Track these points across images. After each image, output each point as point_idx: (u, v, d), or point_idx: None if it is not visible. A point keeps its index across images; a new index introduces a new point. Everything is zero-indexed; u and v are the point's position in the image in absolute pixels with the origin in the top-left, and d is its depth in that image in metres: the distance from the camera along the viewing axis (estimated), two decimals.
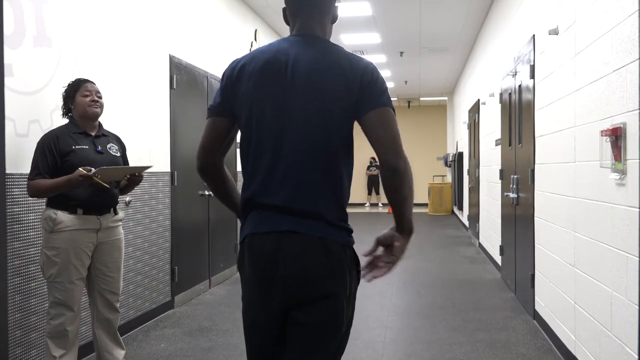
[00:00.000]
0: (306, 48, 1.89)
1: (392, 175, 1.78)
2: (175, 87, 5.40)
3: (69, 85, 3.35)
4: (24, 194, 3.39)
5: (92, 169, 3.09)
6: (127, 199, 4.48)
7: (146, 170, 3.42)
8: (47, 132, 3.29)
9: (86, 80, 3.37)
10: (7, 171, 3.18)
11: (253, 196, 1.85)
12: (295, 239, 1.79)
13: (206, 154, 1.96)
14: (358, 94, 1.81)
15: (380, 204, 19.30)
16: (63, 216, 3.15)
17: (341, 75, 1.82)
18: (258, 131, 1.84)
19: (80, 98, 3.29)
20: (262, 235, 1.82)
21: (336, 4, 2.00)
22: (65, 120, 3.37)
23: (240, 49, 7.29)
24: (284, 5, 2.01)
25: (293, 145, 1.81)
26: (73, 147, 3.20)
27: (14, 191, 3.34)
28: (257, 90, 1.85)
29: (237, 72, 1.90)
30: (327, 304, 1.80)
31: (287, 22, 2.01)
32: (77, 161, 3.16)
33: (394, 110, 1.86)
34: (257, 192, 1.85)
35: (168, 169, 5.27)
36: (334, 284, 1.81)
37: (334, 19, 2.01)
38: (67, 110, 3.35)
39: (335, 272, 1.81)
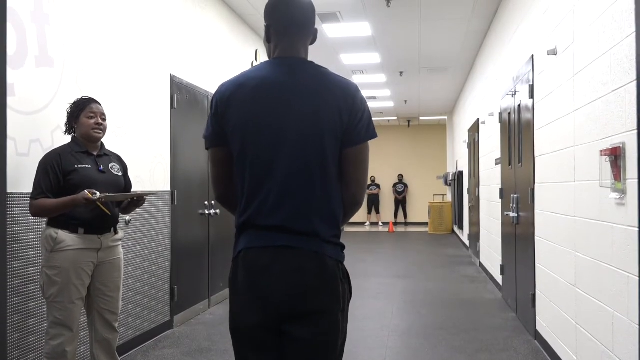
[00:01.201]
0: (296, 73, 1.92)
1: (354, 208, 1.98)
2: (176, 106, 5.43)
3: (74, 103, 3.35)
4: (24, 214, 3.39)
5: (98, 192, 3.12)
6: (127, 218, 4.47)
7: (146, 189, 3.43)
8: (49, 151, 3.29)
9: (92, 101, 3.36)
10: (8, 190, 3.18)
11: (249, 219, 1.87)
12: (291, 253, 1.82)
13: (219, 185, 1.99)
14: (347, 122, 1.89)
15: (380, 223, 19.28)
16: (64, 235, 3.14)
17: (334, 101, 1.87)
18: (253, 157, 1.87)
19: (84, 119, 3.30)
20: (258, 250, 1.85)
21: (315, 27, 2.03)
22: (68, 138, 3.38)
23: (240, 69, 7.33)
24: (265, 23, 1.99)
25: (289, 169, 1.85)
26: (76, 166, 3.21)
27: (14, 210, 3.34)
28: (250, 117, 1.87)
29: (227, 100, 1.90)
30: (323, 317, 1.83)
31: (268, 40, 2.01)
32: (80, 180, 3.17)
33: (375, 134, 1.95)
34: (253, 215, 1.87)
35: (168, 188, 5.27)
36: (329, 297, 1.84)
37: (314, 40, 2.04)
38: (70, 128, 3.35)
39: (330, 286, 1.85)
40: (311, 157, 1.85)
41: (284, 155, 1.85)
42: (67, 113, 3.35)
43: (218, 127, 1.92)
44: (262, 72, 1.92)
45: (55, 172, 3.15)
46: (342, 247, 1.93)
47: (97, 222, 3.25)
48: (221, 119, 1.91)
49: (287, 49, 1.95)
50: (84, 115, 3.29)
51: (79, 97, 3.40)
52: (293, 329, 1.82)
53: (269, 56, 2.02)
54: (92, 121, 3.30)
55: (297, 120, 1.85)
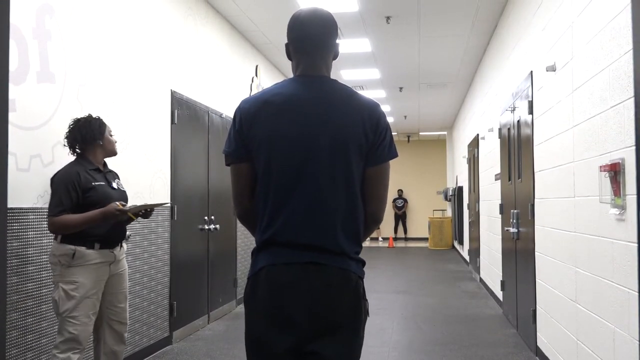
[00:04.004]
0: (321, 89, 1.94)
1: (374, 225, 2.01)
2: (176, 121, 5.44)
3: (94, 122, 3.42)
4: (24, 229, 3.39)
5: (125, 204, 3.32)
6: (127, 233, 4.46)
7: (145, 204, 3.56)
8: (64, 169, 3.33)
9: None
10: (7, 205, 3.18)
11: (274, 236, 1.86)
12: (317, 270, 1.82)
13: (242, 201, 1.98)
14: (372, 140, 1.91)
15: (380, 238, 19.24)
16: (82, 251, 3.24)
17: (360, 119, 1.90)
18: (279, 174, 1.86)
19: (108, 136, 3.49)
20: (282, 267, 1.83)
21: (337, 41, 2.04)
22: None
23: (241, 85, 7.37)
24: (286, 41, 2.03)
25: (316, 184, 1.85)
26: (93, 183, 3.33)
27: (13, 226, 3.33)
28: (277, 132, 1.87)
29: (252, 117, 1.90)
30: (349, 334, 1.85)
31: (290, 58, 2.03)
32: (98, 197, 3.30)
33: (396, 153, 1.99)
34: (277, 232, 1.86)
35: (168, 203, 5.27)
36: (354, 314, 1.86)
37: (336, 55, 2.06)
38: (84, 146, 3.39)
39: (355, 302, 1.87)
40: (338, 171, 1.86)
41: (311, 169, 1.85)
42: (87, 131, 3.38)
43: (241, 143, 1.92)
44: (287, 89, 1.93)
45: (76, 189, 3.25)
46: (363, 263, 1.96)
47: (112, 237, 3.39)
48: (246, 135, 1.91)
49: (308, 67, 1.97)
50: (107, 133, 3.49)
51: (91, 116, 3.48)
52: (320, 348, 1.81)
53: (293, 73, 2.04)
54: (113, 138, 3.53)
55: (325, 134, 1.86)
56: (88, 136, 3.39)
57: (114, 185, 3.49)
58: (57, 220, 3.18)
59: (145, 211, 3.49)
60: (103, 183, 3.38)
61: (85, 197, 3.26)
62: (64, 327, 3.18)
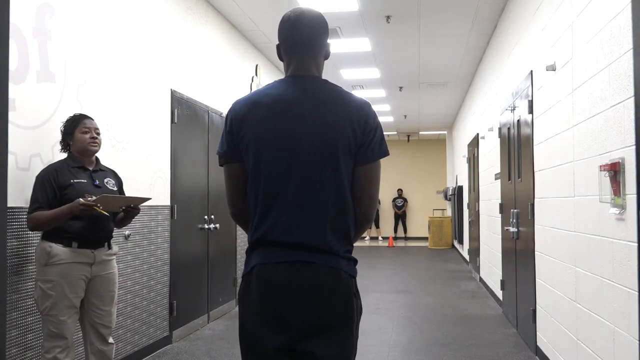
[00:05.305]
0: (310, 90, 1.95)
1: (365, 224, 1.99)
2: (176, 121, 5.44)
3: (67, 120, 3.42)
4: (23, 228, 3.39)
5: (94, 196, 3.17)
6: (127, 232, 4.47)
7: (146, 203, 3.47)
8: (46, 166, 3.34)
9: (85, 116, 3.45)
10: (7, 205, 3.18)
11: (263, 236, 1.88)
12: (307, 268, 1.83)
13: (235, 200, 2.00)
14: (361, 139, 1.91)
15: (380, 238, 19.24)
16: (58, 249, 3.19)
17: (347, 118, 1.90)
18: (268, 174, 1.88)
19: (79, 135, 3.37)
20: (273, 265, 1.85)
21: (328, 41, 2.06)
22: (64, 155, 3.44)
23: (241, 84, 7.37)
24: (277, 42, 2.05)
25: (303, 184, 1.86)
26: (71, 180, 3.27)
27: (13, 225, 3.33)
28: (265, 132, 1.89)
29: (241, 117, 1.93)
30: (341, 333, 1.85)
31: (281, 59, 2.06)
32: (76, 195, 3.22)
33: (387, 152, 1.97)
34: (267, 232, 1.88)
35: (168, 203, 5.27)
36: (345, 312, 1.86)
37: (327, 55, 2.06)
38: (65, 145, 3.42)
39: (346, 301, 1.87)
40: (325, 170, 1.87)
41: (298, 169, 1.86)
42: (61, 131, 3.42)
43: (232, 144, 1.95)
44: (276, 90, 1.95)
45: (52, 186, 3.21)
46: (355, 261, 1.96)
47: (91, 236, 3.30)
48: (235, 136, 1.94)
49: (298, 68, 1.99)
50: (78, 131, 3.37)
51: (71, 115, 3.48)
52: (313, 348, 1.81)
53: (285, 73, 2.06)
54: (87, 136, 3.38)
55: (311, 134, 1.88)
56: (63, 135, 3.42)
57: (98, 183, 3.39)
58: (31, 217, 3.17)
59: (126, 210, 3.41)
60: (84, 181, 3.31)
61: (63, 194, 3.22)
62: (45, 325, 3.19)
